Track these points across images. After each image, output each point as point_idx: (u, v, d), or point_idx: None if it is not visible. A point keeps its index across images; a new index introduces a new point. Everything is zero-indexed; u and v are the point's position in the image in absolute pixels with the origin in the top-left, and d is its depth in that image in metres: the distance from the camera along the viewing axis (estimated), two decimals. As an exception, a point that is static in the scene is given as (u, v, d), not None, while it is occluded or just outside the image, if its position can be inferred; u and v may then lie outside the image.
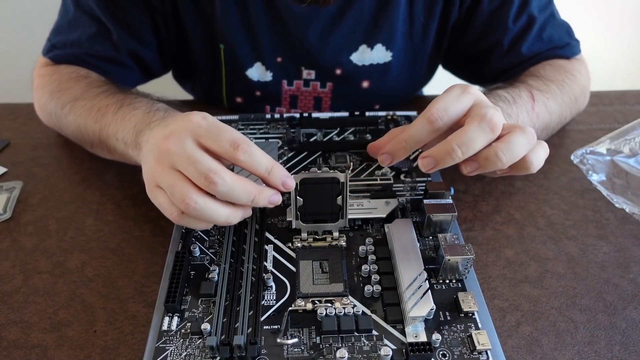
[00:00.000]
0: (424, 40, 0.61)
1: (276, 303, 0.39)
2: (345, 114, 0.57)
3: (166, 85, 0.98)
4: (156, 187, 0.39)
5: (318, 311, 0.37)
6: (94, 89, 0.53)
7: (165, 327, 0.37)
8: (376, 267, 0.40)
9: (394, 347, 0.35)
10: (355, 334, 0.36)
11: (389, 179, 0.48)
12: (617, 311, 0.42)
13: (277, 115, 0.57)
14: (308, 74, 0.62)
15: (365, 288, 0.39)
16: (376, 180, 0.48)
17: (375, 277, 0.40)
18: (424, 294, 0.37)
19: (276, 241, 0.44)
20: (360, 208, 0.45)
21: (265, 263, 0.42)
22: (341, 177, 0.41)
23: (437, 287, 0.40)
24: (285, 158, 0.52)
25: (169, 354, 0.35)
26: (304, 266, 0.41)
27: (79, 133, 0.53)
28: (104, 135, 0.49)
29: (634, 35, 1.38)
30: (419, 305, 0.36)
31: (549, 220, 0.50)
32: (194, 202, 0.36)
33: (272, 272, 0.41)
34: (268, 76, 0.62)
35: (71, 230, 0.49)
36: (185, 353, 0.35)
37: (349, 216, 0.44)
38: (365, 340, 0.36)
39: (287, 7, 0.56)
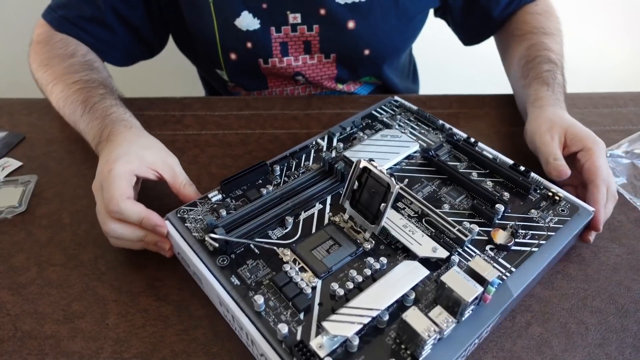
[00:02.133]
0: None
1: (274, 240, 0.43)
2: (510, 161, 0.50)
3: (182, 80, 1.06)
4: None
5: (282, 265, 0.40)
6: (72, 75, 0.57)
7: (210, 195, 0.47)
8: (360, 279, 0.39)
9: (298, 337, 0.35)
10: (289, 302, 0.38)
11: (466, 235, 0.42)
12: (629, 314, 0.42)
13: (447, 126, 0.55)
14: (294, 17, 0.63)
15: (333, 284, 0.39)
16: (455, 227, 0.43)
17: (349, 284, 0.39)
18: (354, 323, 0.34)
19: (327, 206, 0.46)
20: (404, 231, 0.42)
21: (303, 211, 0.45)
22: (392, 185, 0.40)
23: (387, 340, 0.36)
24: (411, 161, 0.52)
25: (191, 207, 0.46)
26: (320, 235, 0.43)
27: (61, 112, 0.58)
28: (78, 128, 0.56)
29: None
30: (338, 324, 0.34)
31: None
32: (105, 226, 0.44)
33: (298, 220, 0.45)
34: (256, 24, 0.63)
35: (85, 223, 0.50)
36: (199, 217, 0.45)
37: (389, 229, 0.42)
38: (287, 313, 0.37)
39: None
